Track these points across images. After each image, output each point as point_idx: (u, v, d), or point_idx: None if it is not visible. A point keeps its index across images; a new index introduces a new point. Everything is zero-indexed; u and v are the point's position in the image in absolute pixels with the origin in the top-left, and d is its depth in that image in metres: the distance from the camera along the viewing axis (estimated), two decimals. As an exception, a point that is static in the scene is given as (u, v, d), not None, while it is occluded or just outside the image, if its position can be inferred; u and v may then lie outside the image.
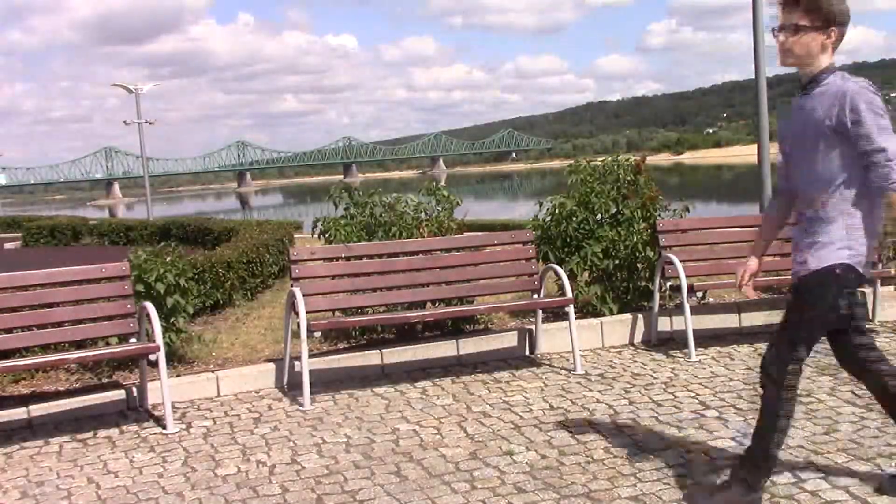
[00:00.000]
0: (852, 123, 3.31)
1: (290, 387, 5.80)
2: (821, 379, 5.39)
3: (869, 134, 3.29)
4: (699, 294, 7.04)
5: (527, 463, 4.23)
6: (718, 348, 6.33)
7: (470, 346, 6.34)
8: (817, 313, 3.47)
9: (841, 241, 3.40)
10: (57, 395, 5.62)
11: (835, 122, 3.34)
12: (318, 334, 5.93)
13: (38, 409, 5.35)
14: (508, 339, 6.48)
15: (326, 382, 5.86)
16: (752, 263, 3.85)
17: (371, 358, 6.12)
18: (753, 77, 13.09)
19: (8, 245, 24.44)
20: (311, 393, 5.47)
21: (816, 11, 3.35)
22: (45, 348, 5.75)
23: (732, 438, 4.39)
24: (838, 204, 3.40)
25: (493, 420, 4.93)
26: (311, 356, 5.76)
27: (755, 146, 13.59)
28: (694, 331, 6.20)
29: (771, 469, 3.62)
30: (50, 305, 5.39)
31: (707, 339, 6.52)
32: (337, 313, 6.36)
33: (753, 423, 4.54)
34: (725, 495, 3.57)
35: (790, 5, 3.39)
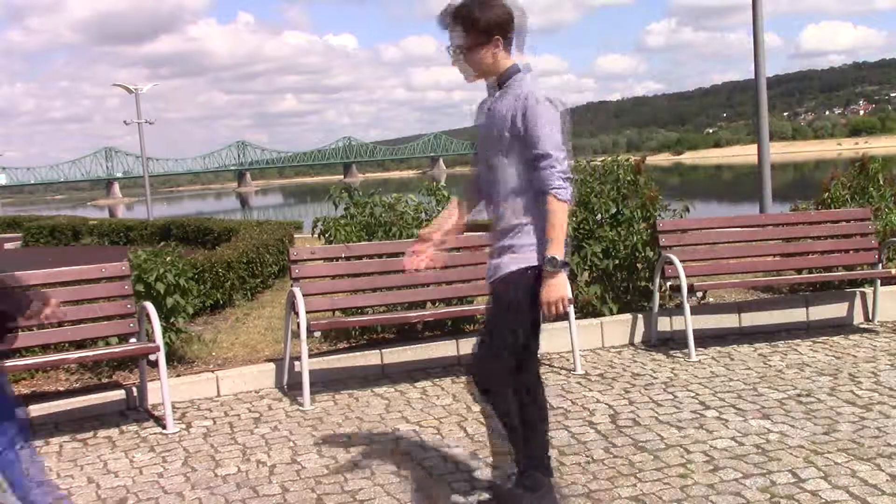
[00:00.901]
0: (524, 127, 3.32)
1: (290, 387, 5.80)
2: (820, 379, 5.40)
3: (538, 138, 3.29)
4: (699, 294, 7.04)
5: (527, 463, 4.22)
6: (718, 348, 6.33)
7: (470, 345, 6.27)
8: (518, 316, 3.43)
9: (531, 245, 3.37)
10: (57, 395, 5.62)
11: (511, 125, 3.35)
12: (318, 334, 5.93)
13: (38, 409, 5.35)
14: (508, 339, 6.46)
15: (326, 382, 5.86)
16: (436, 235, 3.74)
17: (371, 358, 6.12)
18: (753, 77, 13.11)
19: (8, 245, 24.44)
20: (312, 393, 5.47)
21: (473, 29, 3.36)
22: (45, 348, 5.75)
23: (732, 438, 4.39)
24: (523, 208, 3.38)
25: (493, 420, 4.92)
26: (311, 356, 5.76)
27: (755, 146, 13.61)
28: (694, 331, 6.20)
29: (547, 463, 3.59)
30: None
31: (707, 339, 6.52)
32: (337, 313, 6.36)
33: (753, 422, 4.57)
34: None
35: (451, 27, 3.42)
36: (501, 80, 3.44)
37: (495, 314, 3.52)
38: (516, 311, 3.42)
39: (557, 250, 3.29)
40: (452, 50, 3.43)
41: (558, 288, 3.31)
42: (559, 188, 3.27)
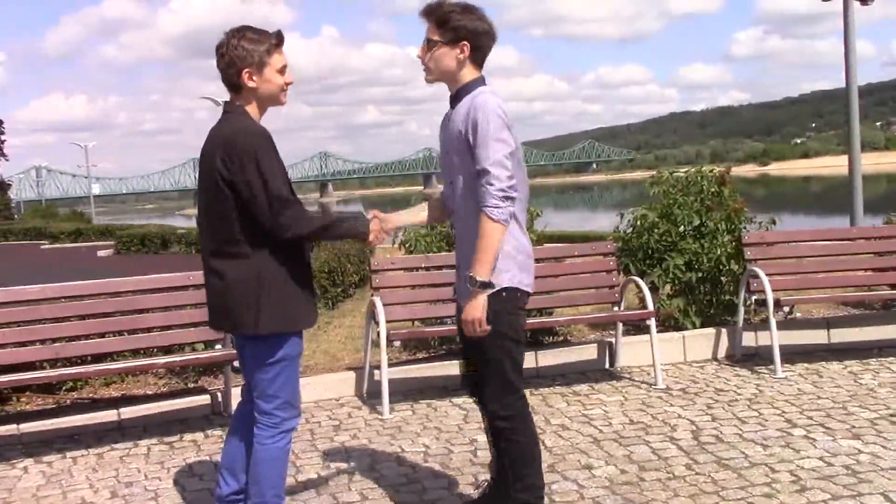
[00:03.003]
0: (471, 140, 3.22)
1: (369, 395, 5.85)
2: (915, 399, 5.19)
3: (480, 154, 3.18)
4: (786, 309, 6.86)
5: (606, 477, 4.18)
6: (806, 365, 6.15)
7: (549, 357, 6.30)
8: (502, 336, 3.32)
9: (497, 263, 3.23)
10: (146, 399, 5.80)
11: (463, 140, 3.26)
12: (397, 343, 5.96)
13: (127, 412, 5.52)
14: (588, 352, 6.41)
15: (405, 392, 5.89)
16: (392, 218, 3.66)
17: (450, 368, 6.13)
18: (844, 85, 12.74)
19: (101, 253, 25.34)
20: (391, 402, 5.52)
21: (444, 26, 3.30)
22: (135, 353, 5.92)
23: (821, 458, 4.25)
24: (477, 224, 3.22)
25: (571, 433, 4.89)
26: (390, 365, 5.81)
27: (845, 157, 13.23)
28: (780, 346, 6.04)
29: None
30: (140, 311, 5.56)
31: (794, 354, 6.34)
32: (416, 323, 6.40)
33: (843, 442, 4.43)
34: None
35: (426, 20, 3.36)
36: (460, 93, 3.37)
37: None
38: (498, 334, 3.33)
39: (481, 270, 3.19)
40: (423, 42, 3.38)
41: (475, 309, 3.23)
42: (493, 207, 3.15)
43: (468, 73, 3.36)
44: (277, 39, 3.39)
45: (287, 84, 3.43)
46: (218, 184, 3.26)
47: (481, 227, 3.19)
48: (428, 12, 3.36)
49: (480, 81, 3.38)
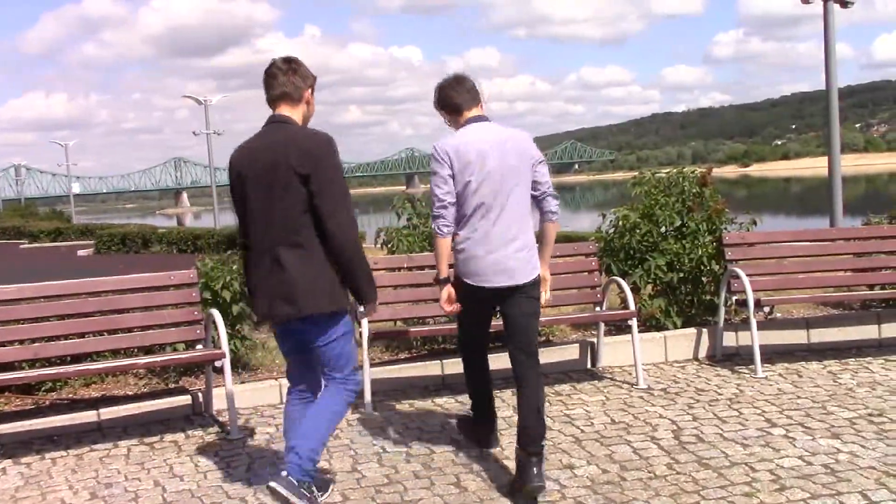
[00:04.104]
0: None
1: (351, 395, 5.83)
2: (893, 398, 5.25)
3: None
4: (766, 309, 6.90)
5: (588, 477, 4.19)
6: (786, 364, 6.19)
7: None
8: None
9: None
10: (126, 399, 5.76)
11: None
12: (379, 344, 5.95)
13: (107, 413, 5.49)
14: (570, 352, 6.43)
15: (388, 392, 5.89)
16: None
17: (432, 368, 6.14)
18: (824, 88, 12.84)
19: (81, 252, 25.18)
20: (373, 402, 5.51)
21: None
22: (116, 353, 5.88)
23: (800, 457, 4.28)
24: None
25: (553, 433, 4.90)
26: (372, 365, 5.80)
27: (825, 158, 13.33)
28: (760, 346, 6.08)
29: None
30: (121, 311, 5.53)
31: (774, 354, 6.39)
32: (399, 323, 6.39)
33: (822, 441, 4.46)
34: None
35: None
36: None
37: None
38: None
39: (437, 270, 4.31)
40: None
41: (440, 297, 4.34)
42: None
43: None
44: None
45: None
46: (292, 181, 3.68)
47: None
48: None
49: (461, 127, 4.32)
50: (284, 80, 3.84)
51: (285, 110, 3.86)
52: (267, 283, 3.80)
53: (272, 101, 3.88)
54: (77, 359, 5.68)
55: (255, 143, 3.87)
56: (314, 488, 3.77)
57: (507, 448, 4.66)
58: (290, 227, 3.72)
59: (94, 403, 5.67)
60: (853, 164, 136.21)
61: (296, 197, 3.69)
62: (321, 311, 3.78)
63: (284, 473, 3.69)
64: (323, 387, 4.02)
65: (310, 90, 3.91)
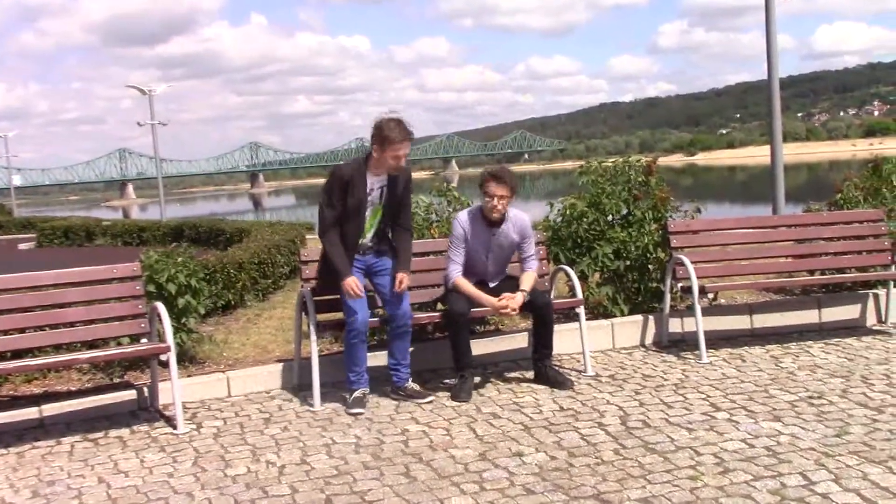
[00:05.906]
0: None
1: (300, 387, 5.81)
2: (832, 381, 5.37)
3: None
4: (710, 295, 7.01)
5: (536, 464, 4.22)
6: (730, 350, 6.31)
7: (480, 346, 6.32)
8: None
9: None
10: (69, 395, 5.65)
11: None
12: (328, 335, 5.91)
13: (49, 409, 5.38)
14: (519, 340, 6.47)
15: (337, 383, 5.85)
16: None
17: (382, 358, 6.10)
18: (766, 78, 13.05)
19: (22, 246, 24.59)
20: (322, 393, 5.48)
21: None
22: (57, 348, 5.77)
23: (743, 440, 4.37)
24: None
25: (502, 421, 4.93)
26: (321, 356, 5.76)
27: (768, 147, 13.57)
28: (705, 332, 6.18)
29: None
30: (62, 306, 5.41)
31: (718, 340, 6.50)
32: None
33: (765, 424, 4.55)
34: None
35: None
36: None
37: None
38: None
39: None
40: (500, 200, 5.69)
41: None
42: None
43: None
44: None
45: None
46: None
47: None
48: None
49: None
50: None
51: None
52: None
53: None
54: (17, 354, 5.54)
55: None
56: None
57: (456, 437, 4.68)
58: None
59: (35, 400, 5.55)
60: (795, 152, 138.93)
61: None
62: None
63: None
64: None
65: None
